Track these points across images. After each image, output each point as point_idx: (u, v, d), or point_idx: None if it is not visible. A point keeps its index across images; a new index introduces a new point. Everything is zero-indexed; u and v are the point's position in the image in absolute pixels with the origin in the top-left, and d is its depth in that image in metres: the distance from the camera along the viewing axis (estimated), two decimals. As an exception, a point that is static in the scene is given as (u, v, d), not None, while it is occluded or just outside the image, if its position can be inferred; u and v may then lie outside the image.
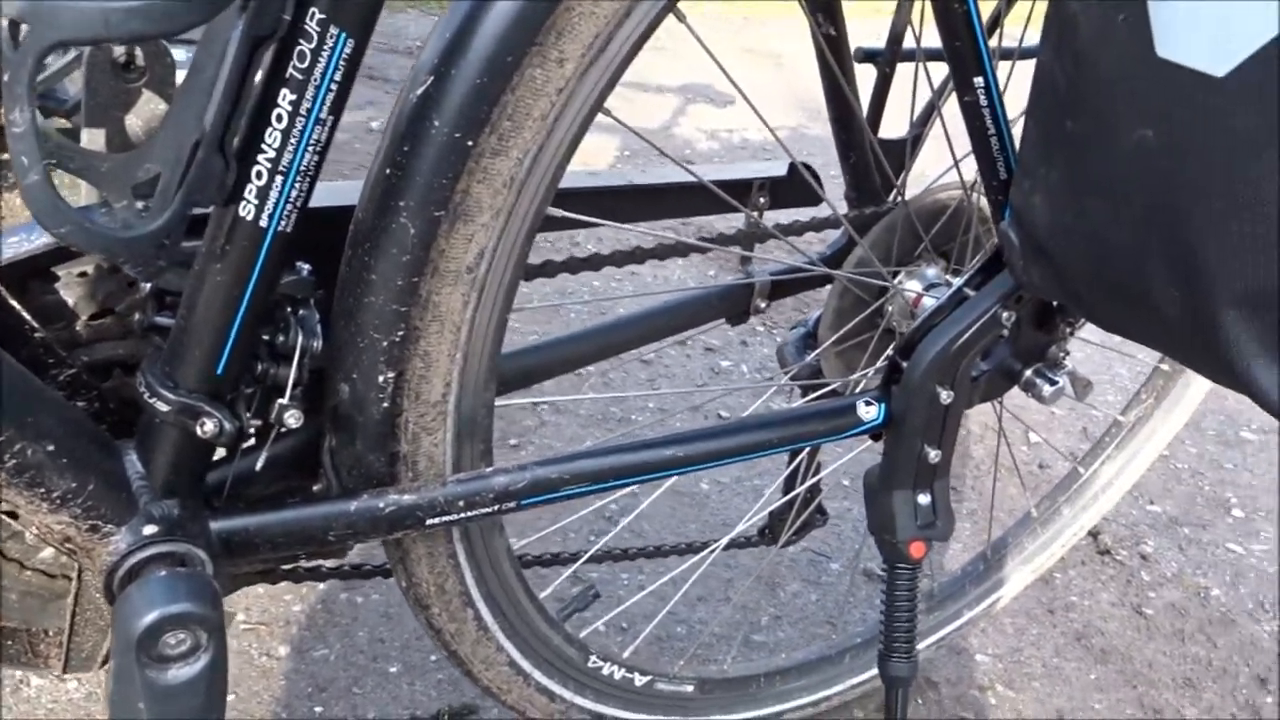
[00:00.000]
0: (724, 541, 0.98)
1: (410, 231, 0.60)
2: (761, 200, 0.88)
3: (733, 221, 0.90)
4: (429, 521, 0.67)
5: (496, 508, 0.69)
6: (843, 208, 0.94)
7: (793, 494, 1.00)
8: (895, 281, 0.91)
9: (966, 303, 0.77)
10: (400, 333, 0.63)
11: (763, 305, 0.91)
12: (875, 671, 1.18)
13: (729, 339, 2.02)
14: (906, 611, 0.84)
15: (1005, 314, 0.77)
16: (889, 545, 0.83)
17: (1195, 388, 1.17)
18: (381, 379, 0.64)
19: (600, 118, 0.65)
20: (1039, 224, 0.66)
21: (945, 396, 0.78)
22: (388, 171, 0.60)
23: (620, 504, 1.48)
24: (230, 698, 1.10)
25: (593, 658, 0.92)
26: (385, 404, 0.65)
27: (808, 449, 0.99)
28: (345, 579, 0.84)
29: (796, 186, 0.89)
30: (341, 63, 0.55)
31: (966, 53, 0.70)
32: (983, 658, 1.31)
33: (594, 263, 0.78)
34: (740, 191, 0.87)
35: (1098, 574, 1.49)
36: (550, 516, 1.31)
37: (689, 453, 0.73)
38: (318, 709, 1.11)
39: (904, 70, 0.92)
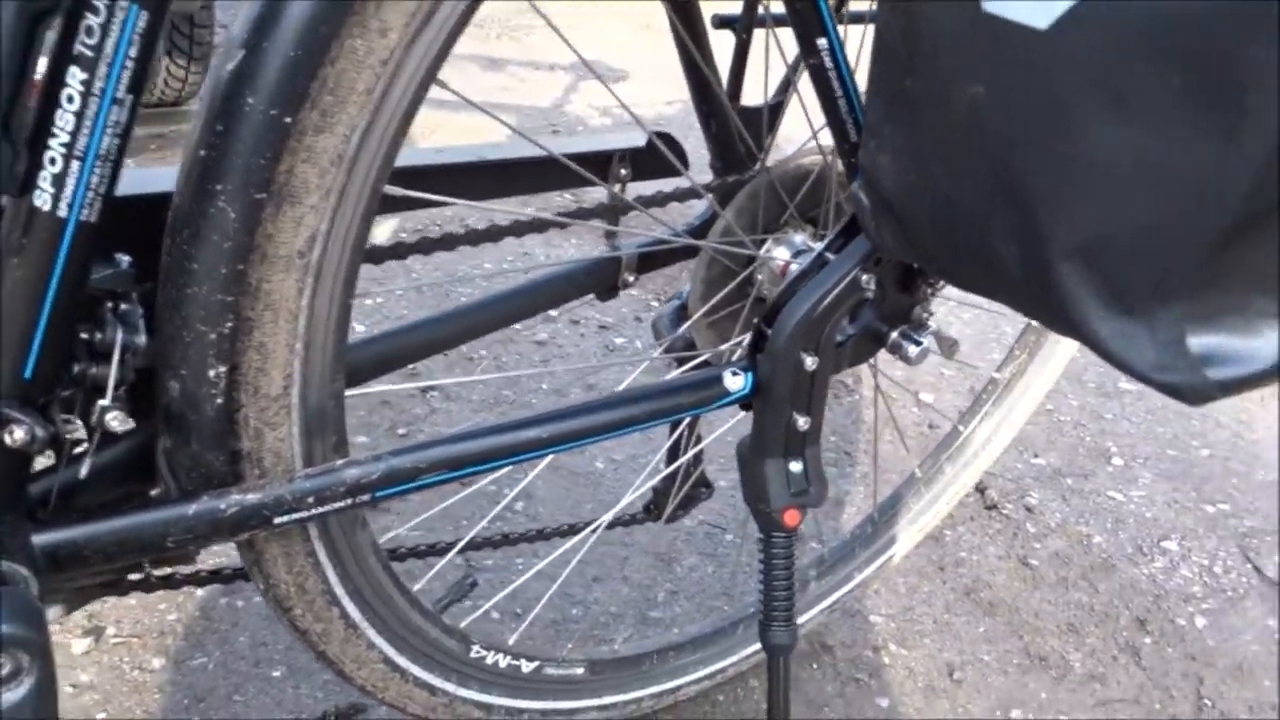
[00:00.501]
0: (605, 520, 0.96)
1: (231, 216, 0.57)
2: (623, 172, 0.86)
3: (601, 196, 0.89)
4: (277, 520, 0.64)
5: (350, 501, 0.66)
6: (708, 177, 0.93)
7: (673, 468, 0.99)
8: (762, 250, 0.90)
9: (827, 267, 0.77)
10: (230, 324, 0.59)
11: (631, 279, 0.90)
12: (769, 640, 1.18)
13: (623, 315, 2.00)
14: (784, 580, 0.84)
15: (865, 277, 0.76)
16: (763, 514, 0.82)
17: (1067, 342, 1.20)
18: (213, 374, 0.61)
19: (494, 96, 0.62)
20: (886, 185, 0.66)
21: (810, 363, 0.78)
22: (202, 153, 0.56)
23: (509, 487, 1.46)
24: (100, 716, 1.05)
25: (475, 648, 0.90)
26: (220, 400, 0.62)
27: (685, 422, 0.99)
28: (203, 584, 0.81)
29: (660, 157, 0.87)
30: (136, 37, 0.51)
31: (808, 14, 0.69)
32: (876, 618, 1.32)
33: (448, 243, 0.76)
34: (600, 164, 0.85)
35: (985, 528, 1.52)
36: (435, 502, 1.29)
37: (552, 433, 0.72)
38: (196, 720, 1.06)
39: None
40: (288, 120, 0.55)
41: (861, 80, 0.74)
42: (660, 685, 1.09)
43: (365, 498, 0.67)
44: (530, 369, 1.81)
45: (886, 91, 0.64)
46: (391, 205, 0.71)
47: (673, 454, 1.02)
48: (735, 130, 0.88)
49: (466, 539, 0.89)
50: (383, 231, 2.13)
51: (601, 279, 0.89)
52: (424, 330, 0.81)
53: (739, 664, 1.16)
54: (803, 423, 0.80)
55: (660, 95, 3.30)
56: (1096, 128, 0.52)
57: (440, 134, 2.78)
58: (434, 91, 0.63)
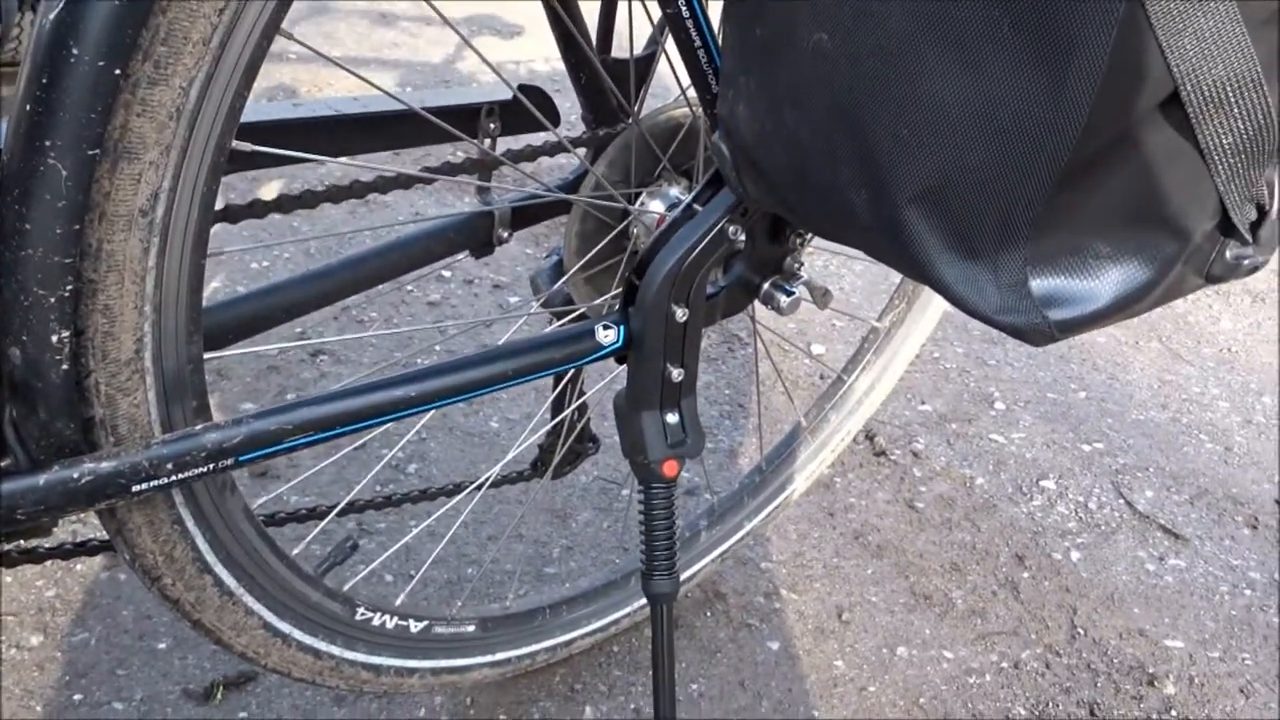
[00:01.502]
0: (490, 476, 0.96)
1: (63, 174, 0.54)
2: (491, 127, 0.85)
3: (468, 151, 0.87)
4: (135, 488, 0.63)
5: (211, 466, 0.65)
6: (581, 132, 0.93)
7: (554, 422, 1.00)
8: (636, 204, 0.90)
9: (695, 218, 0.77)
10: (70, 287, 0.57)
11: (505, 235, 0.89)
12: (662, 590, 1.20)
13: (518, 274, 1.99)
14: (665, 529, 0.85)
15: (733, 228, 0.77)
16: (642, 466, 0.83)
17: (941, 290, 1.23)
18: (56, 339, 0.58)
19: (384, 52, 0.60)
20: (744, 133, 0.66)
21: (681, 314, 0.78)
22: (28, 108, 0.54)
23: (404, 448, 1.45)
24: (-25, 697, 1.02)
25: (360, 610, 0.90)
26: (65, 366, 0.60)
27: (567, 376, 0.99)
28: (69, 557, 0.78)
29: (529, 111, 0.86)
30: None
31: (663, -37, 0.69)
32: (767, 565, 1.35)
33: (308, 200, 0.74)
34: (469, 119, 0.84)
35: (874, 474, 1.56)
36: (324, 464, 1.27)
37: (423, 390, 0.71)
38: (76, 696, 1.04)
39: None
40: (117, 72, 0.53)
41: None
42: (554, 639, 1.10)
43: (228, 462, 0.66)
44: (423, 332, 1.78)
45: (739, 39, 0.64)
46: (247, 162, 0.69)
47: (556, 408, 1.02)
48: (605, 84, 0.88)
49: (345, 501, 0.89)
50: (268, 190, 2.07)
51: (474, 235, 0.88)
52: (289, 290, 0.79)
53: (633, 615, 1.18)
54: (676, 374, 0.81)
55: (556, 50, 3.27)
56: (933, 74, 0.53)
57: (328, 93, 2.71)
58: (325, 48, 0.61)
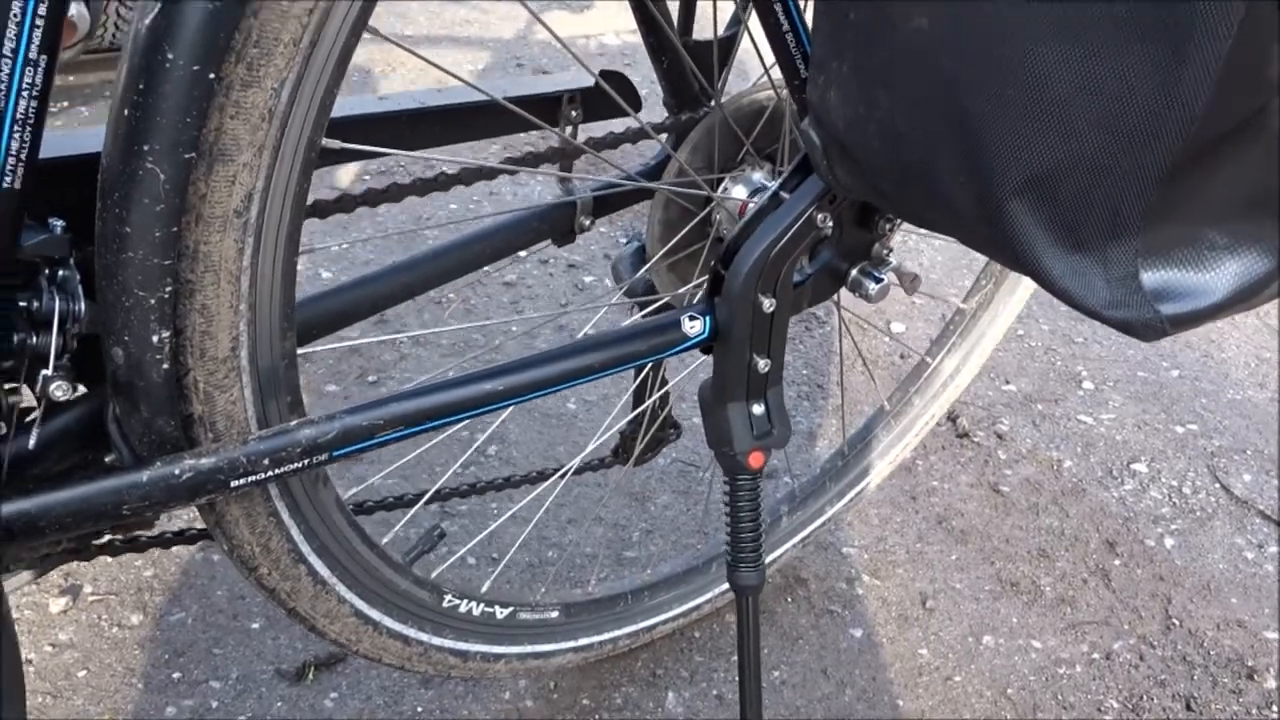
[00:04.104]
0: (572, 465, 0.96)
1: (161, 177, 0.55)
2: (573, 114, 0.84)
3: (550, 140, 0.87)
4: (234, 484, 0.64)
5: (306, 462, 0.66)
6: (663, 115, 0.92)
7: (638, 411, 0.99)
8: (719, 190, 0.89)
9: (782, 207, 0.76)
10: (169, 288, 0.58)
11: (587, 223, 0.89)
12: (743, 576, 1.20)
13: (592, 254, 1.99)
14: (751, 521, 0.84)
15: (821, 216, 0.76)
16: (728, 458, 0.82)
17: (1031, 270, 1.19)
18: (156, 339, 0.59)
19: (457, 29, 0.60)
20: (836, 120, 0.65)
21: (768, 305, 0.77)
22: (126, 112, 0.54)
23: (481, 432, 1.46)
24: (81, 674, 1.06)
25: (448, 597, 0.91)
26: (166, 365, 0.61)
27: (649, 365, 0.98)
28: (168, 546, 0.80)
29: (610, 96, 0.85)
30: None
31: (752, -53, 0.67)
32: (849, 550, 1.34)
33: (393, 193, 0.74)
34: (550, 106, 0.83)
35: (957, 456, 1.53)
36: (409, 450, 1.29)
37: (509, 385, 0.71)
38: (175, 674, 1.07)
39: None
40: (212, 76, 0.54)
41: (809, 13, 0.73)
42: (635, 625, 1.11)
43: (322, 457, 0.66)
44: (500, 314, 1.79)
45: (832, 23, 0.62)
46: (334, 157, 0.70)
47: (638, 397, 1.01)
48: (687, 67, 0.86)
49: (433, 490, 0.89)
50: (342, 178, 2.10)
51: (557, 224, 0.88)
52: (376, 283, 0.79)
53: (714, 600, 1.18)
54: (763, 365, 0.80)
55: (626, 23, 3.24)
56: (1042, 60, 0.51)
57: (400, 73, 2.73)
58: (399, 27, 0.61)
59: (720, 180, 0.90)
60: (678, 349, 0.78)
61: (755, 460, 0.82)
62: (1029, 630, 1.24)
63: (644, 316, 0.89)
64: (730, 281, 0.76)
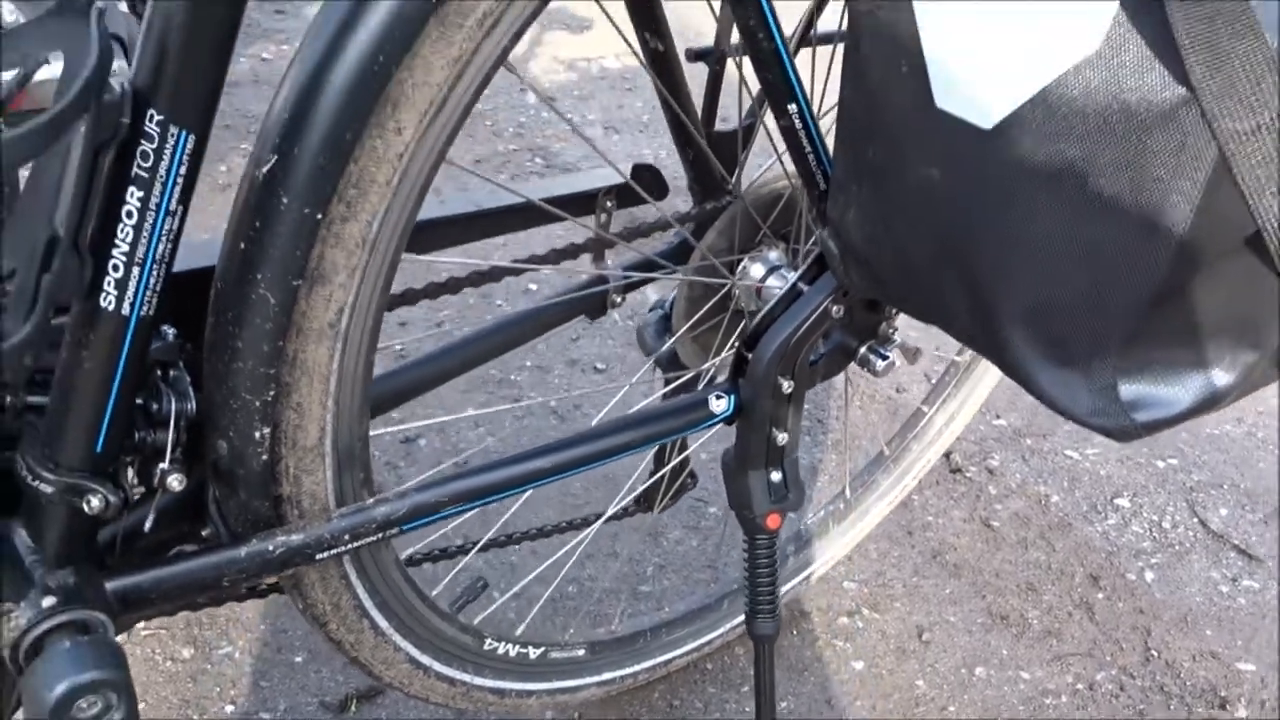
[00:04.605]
0: (603, 519, 1.05)
1: (271, 302, 0.63)
2: (608, 204, 0.92)
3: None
4: (318, 557, 0.72)
5: (380, 535, 0.74)
6: (687, 199, 1.00)
7: (664, 469, 1.08)
8: (739, 269, 0.97)
9: (800, 299, 0.84)
10: (272, 392, 0.66)
11: (619, 300, 0.97)
12: (752, 611, 1.28)
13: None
14: (768, 576, 0.93)
15: (836, 308, 0.84)
16: (748, 520, 0.91)
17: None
18: (258, 435, 0.68)
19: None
20: (853, 235, 0.73)
21: (787, 386, 0.86)
22: (243, 246, 0.62)
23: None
24: (140, 706, 1.14)
25: (488, 641, 0.99)
26: (264, 456, 0.69)
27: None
28: (244, 599, 0.88)
29: (642, 185, 0.94)
30: (185, 158, 0.57)
31: (778, 83, 0.75)
32: (849, 584, 1.43)
33: (452, 287, 0.83)
34: (586, 201, 0.92)
35: (950, 492, 1.62)
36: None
37: (556, 462, 0.79)
38: (229, 708, 1.15)
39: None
40: (319, 216, 0.62)
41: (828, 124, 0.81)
42: (654, 659, 1.19)
43: (394, 531, 0.75)
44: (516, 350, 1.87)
45: (852, 154, 0.71)
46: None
47: (659, 458, 1.10)
48: (711, 162, 0.94)
49: (481, 543, 0.98)
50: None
51: (592, 302, 0.96)
52: (434, 363, 0.88)
53: (725, 635, 1.26)
54: (781, 438, 0.88)
55: (624, 45, 3.32)
56: (1036, 214, 0.60)
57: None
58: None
59: (739, 260, 0.98)
60: (706, 424, 0.86)
61: (773, 522, 0.91)
62: (1018, 662, 1.33)
63: (668, 386, 0.97)
64: (754, 366, 0.85)
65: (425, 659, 0.92)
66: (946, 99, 0.60)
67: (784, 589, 1.30)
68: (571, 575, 1.40)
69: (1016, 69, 0.57)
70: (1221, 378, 0.64)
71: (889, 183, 0.67)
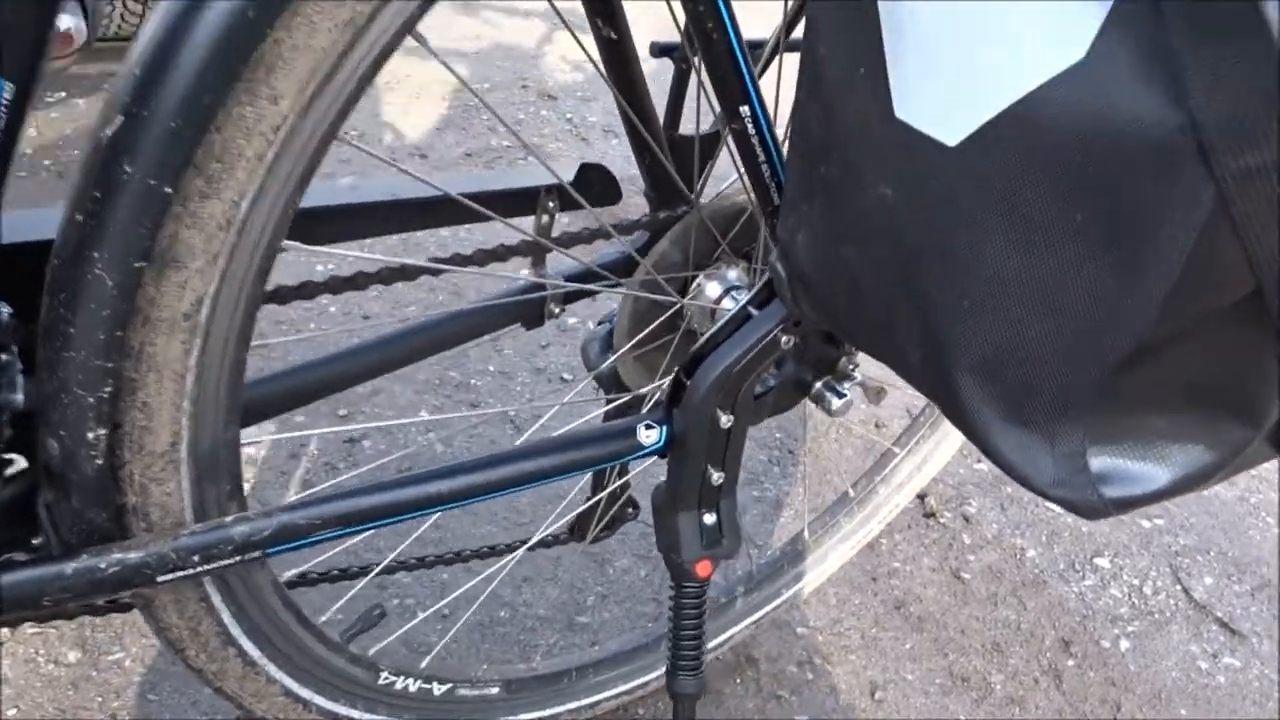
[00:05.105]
0: (526, 545, 0.96)
1: (108, 284, 0.54)
2: (550, 204, 0.83)
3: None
4: (160, 579, 0.63)
5: (238, 558, 0.65)
6: (643, 207, 0.91)
7: (599, 495, 0.99)
8: (693, 287, 0.88)
9: (748, 324, 0.75)
10: (109, 388, 0.58)
11: (557, 310, 0.88)
12: (693, 654, 1.19)
13: (577, 296, 1.98)
14: (694, 629, 0.83)
15: (786, 339, 0.75)
16: (675, 565, 0.82)
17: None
18: (92, 436, 0.59)
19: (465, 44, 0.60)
20: (803, 261, 0.64)
21: (726, 421, 0.76)
22: (79, 218, 0.54)
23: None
24: (11, 712, 1.05)
25: (384, 674, 0.90)
26: (99, 461, 0.60)
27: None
28: (100, 614, 0.79)
29: (591, 186, 0.85)
30: (2, 110, 0.48)
31: (732, 83, 0.66)
32: (804, 630, 1.33)
33: (359, 282, 0.73)
34: (527, 199, 0.83)
35: (922, 538, 1.53)
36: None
37: (454, 488, 0.70)
38: (107, 720, 1.06)
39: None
40: (168, 190, 0.53)
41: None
42: (579, 701, 1.10)
43: (255, 554, 0.65)
44: (477, 353, 1.78)
45: (805, 168, 0.62)
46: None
47: (596, 483, 1.00)
48: (668, 171, 0.85)
49: (380, 567, 0.88)
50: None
51: (528, 310, 0.87)
52: (336, 364, 0.79)
53: (661, 679, 1.17)
54: (717, 477, 0.79)
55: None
56: (998, 246, 0.51)
57: (407, 85, 2.73)
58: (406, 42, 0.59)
59: (695, 277, 0.89)
60: (632, 456, 0.77)
61: (702, 570, 0.82)
62: (975, 730, 1.23)
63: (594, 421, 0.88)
64: (690, 395, 0.75)
65: (306, 693, 0.83)
66: (907, 108, 0.51)
67: (730, 632, 1.21)
68: (505, 598, 1.31)
69: (988, 78, 0.48)
70: (1205, 455, 0.55)
71: (842, 202, 0.58)
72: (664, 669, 1.16)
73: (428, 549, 1.09)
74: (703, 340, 0.77)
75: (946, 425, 1.23)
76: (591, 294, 0.90)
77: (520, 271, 0.82)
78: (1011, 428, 0.56)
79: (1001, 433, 0.56)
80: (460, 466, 0.71)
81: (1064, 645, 1.37)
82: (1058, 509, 1.62)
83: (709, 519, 0.81)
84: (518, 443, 0.77)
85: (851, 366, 0.85)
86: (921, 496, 1.61)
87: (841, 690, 1.25)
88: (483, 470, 0.71)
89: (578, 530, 1.04)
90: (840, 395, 0.84)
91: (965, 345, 0.53)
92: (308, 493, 0.67)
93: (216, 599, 0.72)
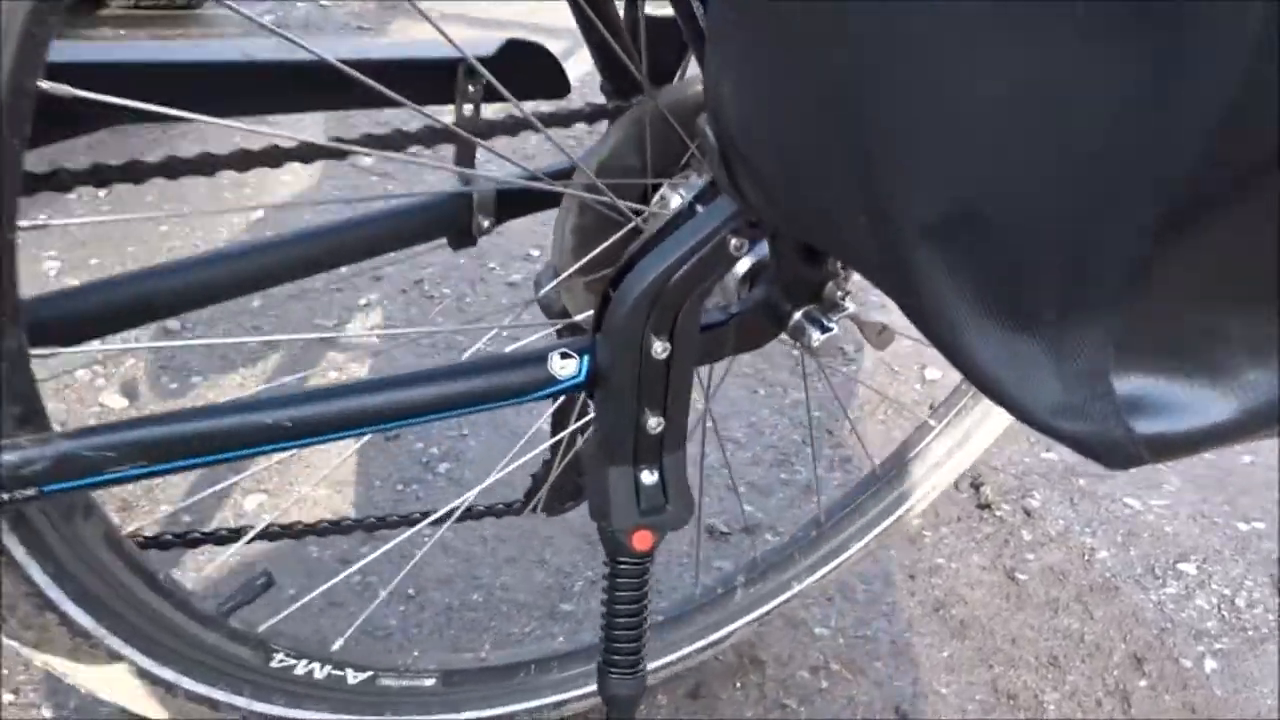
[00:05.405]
0: (458, 505, 0.80)
1: None
2: (470, 89, 0.68)
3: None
4: (-105, 517, 0.49)
5: (7, 497, 0.51)
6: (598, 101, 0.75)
7: (553, 443, 0.83)
8: (655, 199, 0.72)
9: (688, 224, 0.59)
10: None
11: (486, 224, 0.72)
12: (684, 653, 1.02)
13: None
14: (631, 617, 0.67)
15: (736, 242, 0.58)
16: (606, 534, 0.65)
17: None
18: None
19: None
20: (729, 115, 0.47)
21: (660, 349, 0.60)
22: None
23: (437, 446, 1.31)
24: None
25: (279, 656, 0.76)
26: None
27: (563, 397, 0.81)
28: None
29: (518, 70, 0.69)
30: None
31: None
32: (822, 630, 1.15)
33: (202, 166, 0.59)
34: (440, 79, 0.67)
35: (973, 531, 1.33)
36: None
37: (295, 419, 0.55)
38: (8, 696, 0.94)
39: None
40: None
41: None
42: (538, 699, 0.94)
43: (30, 493, 0.51)
44: (495, 317, 1.64)
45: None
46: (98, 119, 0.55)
47: (555, 428, 0.84)
48: (620, 47, 0.69)
49: (256, 531, 0.74)
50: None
51: (447, 221, 0.72)
52: (175, 276, 0.64)
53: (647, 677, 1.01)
54: (654, 424, 0.62)
55: None
56: (971, 46, 0.33)
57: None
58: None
59: (658, 187, 0.73)
60: (544, 392, 0.61)
61: (640, 541, 0.65)
62: (1019, 757, 1.04)
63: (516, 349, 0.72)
64: (611, 314, 0.59)
65: (167, 674, 0.69)
66: None
67: (728, 629, 1.04)
68: (483, 580, 1.16)
69: None
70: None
71: (759, 25, 0.41)
72: (651, 665, 1.00)
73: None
74: (635, 246, 0.60)
75: (994, 394, 1.04)
76: (531, 209, 0.74)
77: (420, 162, 0.67)
78: (997, 330, 0.38)
79: (981, 337, 0.38)
80: (306, 395, 0.56)
81: (1136, 662, 1.16)
82: (1137, 504, 1.40)
83: (648, 477, 0.64)
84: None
85: (840, 294, 0.67)
86: (977, 485, 1.41)
87: (860, 703, 1.07)
88: (332, 400, 0.56)
89: (526, 500, 0.88)
90: (824, 328, 0.66)
91: (925, 197, 0.36)
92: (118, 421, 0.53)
93: (18, 551, 0.58)
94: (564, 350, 0.60)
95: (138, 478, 0.53)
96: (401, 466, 1.30)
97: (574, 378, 0.61)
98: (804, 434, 1.46)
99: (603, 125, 0.71)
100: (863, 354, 1.70)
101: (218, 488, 0.87)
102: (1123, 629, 1.20)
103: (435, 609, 1.11)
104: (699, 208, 0.59)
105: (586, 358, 0.61)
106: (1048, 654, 1.16)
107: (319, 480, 1.26)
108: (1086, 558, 1.30)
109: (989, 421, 1.05)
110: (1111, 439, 0.38)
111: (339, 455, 1.29)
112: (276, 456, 1.12)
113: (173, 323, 1.45)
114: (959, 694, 1.09)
